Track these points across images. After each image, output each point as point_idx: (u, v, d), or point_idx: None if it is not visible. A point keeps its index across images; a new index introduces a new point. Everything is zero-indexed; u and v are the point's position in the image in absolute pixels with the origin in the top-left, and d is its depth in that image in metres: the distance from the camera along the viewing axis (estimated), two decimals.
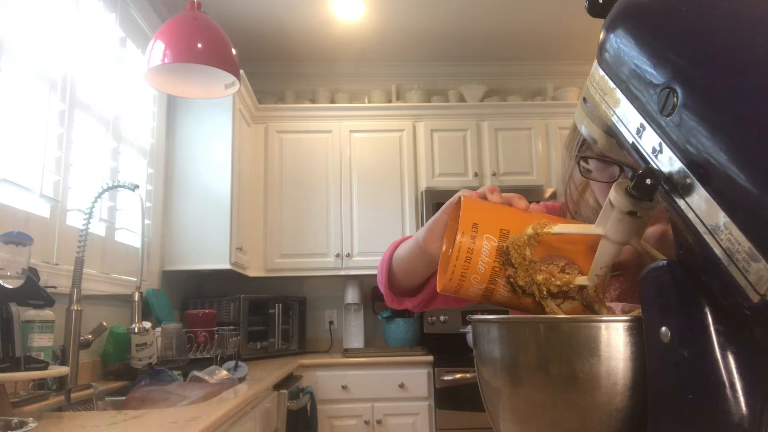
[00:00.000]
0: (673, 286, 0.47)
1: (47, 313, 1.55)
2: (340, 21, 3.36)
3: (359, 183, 3.54)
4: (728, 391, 0.42)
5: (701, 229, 0.41)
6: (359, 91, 3.92)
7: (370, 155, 3.57)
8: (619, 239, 0.60)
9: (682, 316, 0.46)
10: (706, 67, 0.41)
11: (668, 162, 0.43)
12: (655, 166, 0.45)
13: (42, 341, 1.54)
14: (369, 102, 3.81)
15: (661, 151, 0.44)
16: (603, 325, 0.52)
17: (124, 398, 1.80)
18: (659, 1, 0.48)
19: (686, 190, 0.42)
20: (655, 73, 0.44)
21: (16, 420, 0.99)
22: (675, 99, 0.41)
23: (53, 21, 1.98)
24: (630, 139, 0.49)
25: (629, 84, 0.48)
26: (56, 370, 1.41)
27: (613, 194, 0.57)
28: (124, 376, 2.12)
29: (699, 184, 0.40)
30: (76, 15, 2.12)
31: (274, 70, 3.89)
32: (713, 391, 0.43)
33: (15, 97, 1.76)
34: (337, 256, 3.46)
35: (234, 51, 1.82)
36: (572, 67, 3.87)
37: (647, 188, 0.44)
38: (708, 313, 0.44)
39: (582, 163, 0.84)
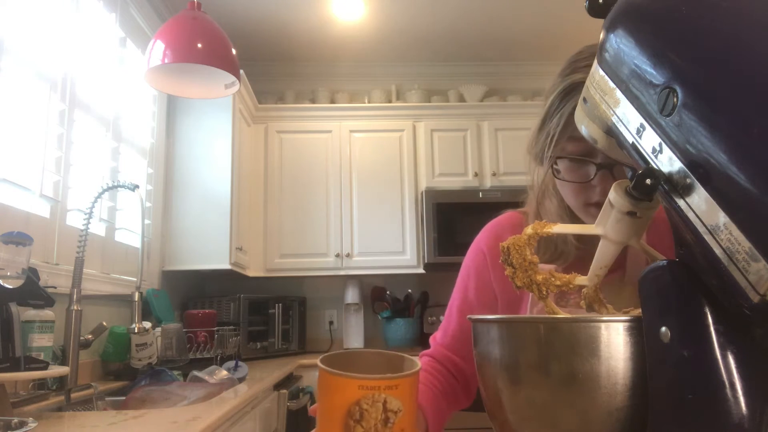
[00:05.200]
0: (673, 286, 0.47)
1: (47, 313, 1.55)
2: (340, 21, 3.36)
3: (359, 183, 3.54)
4: (728, 391, 0.42)
5: (701, 229, 0.41)
6: (359, 91, 3.92)
7: (370, 155, 3.56)
8: (619, 239, 0.60)
9: (682, 316, 0.46)
10: (706, 67, 0.41)
11: (668, 162, 0.43)
12: (655, 166, 0.45)
13: (42, 341, 1.54)
14: (369, 102, 3.81)
15: (661, 151, 0.44)
16: (603, 325, 0.52)
17: (124, 398, 1.80)
18: (659, 1, 0.48)
19: (686, 190, 0.42)
20: (655, 73, 0.44)
21: (16, 420, 0.99)
22: (675, 99, 0.41)
23: (53, 21, 1.98)
24: (630, 139, 0.49)
25: (629, 84, 0.48)
26: (56, 370, 1.41)
27: (613, 194, 0.57)
28: (124, 376, 2.12)
29: (699, 184, 0.40)
30: (75, 15, 2.11)
31: (274, 70, 3.89)
32: (713, 391, 0.43)
33: (15, 97, 1.76)
34: (337, 256, 3.46)
35: (234, 51, 1.81)
36: None
37: (647, 188, 0.44)
38: (708, 313, 0.44)
39: (553, 164, 0.84)
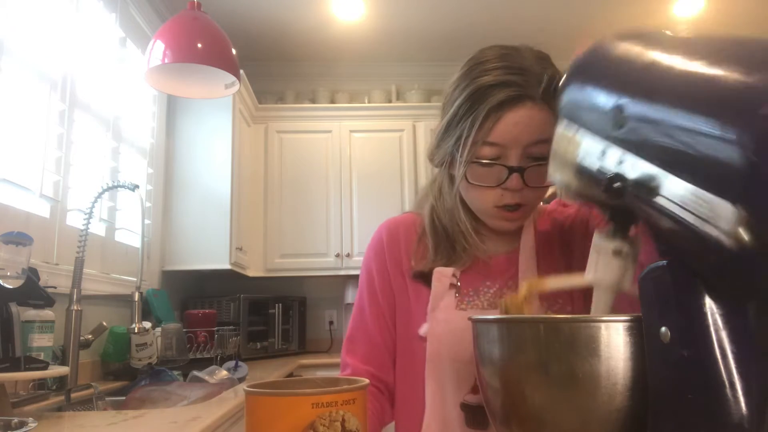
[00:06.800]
0: (673, 286, 0.47)
1: (47, 313, 1.55)
2: (340, 21, 3.36)
3: (359, 183, 3.54)
4: (728, 391, 0.42)
5: (671, 207, 0.44)
6: (359, 91, 3.92)
7: (370, 155, 3.56)
8: (611, 281, 0.60)
9: (682, 316, 0.46)
10: (642, 83, 0.50)
11: (631, 167, 0.49)
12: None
13: (42, 341, 1.54)
14: (369, 102, 3.81)
15: (623, 162, 0.50)
16: (603, 325, 0.52)
17: (124, 398, 1.80)
18: (598, 55, 0.59)
19: (651, 181, 0.47)
20: (605, 99, 0.53)
21: (16, 420, 0.99)
22: (623, 113, 0.50)
23: (53, 21, 1.98)
24: (596, 166, 0.54)
25: (587, 121, 0.56)
26: (56, 370, 1.41)
27: (596, 239, 0.60)
28: (124, 376, 2.12)
29: (660, 170, 0.46)
30: (76, 15, 2.11)
31: (274, 70, 3.89)
32: (713, 391, 0.43)
33: (15, 97, 1.76)
34: (337, 256, 3.46)
35: (234, 51, 1.81)
36: None
37: (616, 190, 0.50)
38: (708, 313, 0.44)
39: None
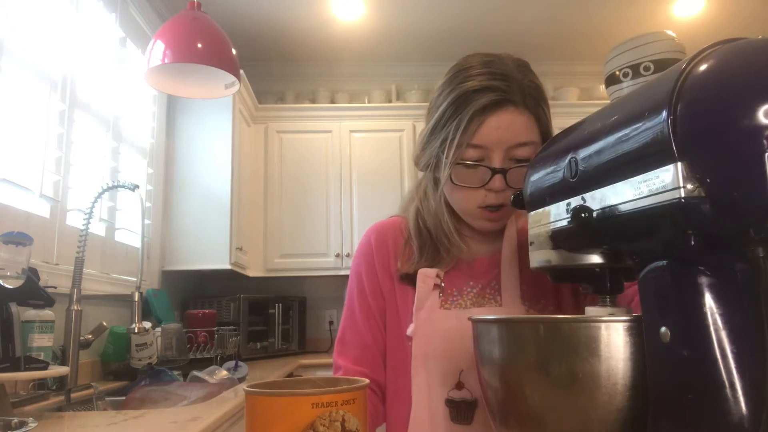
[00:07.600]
0: (673, 286, 0.47)
1: (47, 313, 1.55)
2: (340, 21, 3.36)
3: (359, 183, 3.54)
4: (728, 391, 0.42)
5: (628, 206, 0.50)
6: (359, 91, 3.92)
7: (370, 155, 3.56)
8: None
9: (682, 316, 0.46)
10: (585, 134, 0.59)
11: (591, 199, 0.56)
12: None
13: (42, 341, 1.54)
14: (369, 102, 3.81)
15: (585, 200, 0.57)
16: (603, 325, 0.52)
17: (124, 398, 1.80)
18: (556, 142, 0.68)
19: (606, 198, 0.54)
20: (563, 160, 0.61)
21: (16, 420, 0.99)
22: (576, 161, 0.59)
23: (53, 21, 1.98)
24: (565, 223, 0.60)
25: (549, 190, 0.64)
26: (56, 370, 1.41)
27: (588, 309, 0.62)
28: (124, 376, 2.12)
29: (610, 186, 0.53)
30: (75, 15, 2.11)
31: (274, 70, 3.89)
32: (713, 391, 0.43)
33: (15, 97, 1.76)
34: (337, 255, 3.46)
35: (234, 51, 1.81)
36: (572, 67, 3.86)
37: (583, 220, 0.56)
38: (708, 313, 0.44)
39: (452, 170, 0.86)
